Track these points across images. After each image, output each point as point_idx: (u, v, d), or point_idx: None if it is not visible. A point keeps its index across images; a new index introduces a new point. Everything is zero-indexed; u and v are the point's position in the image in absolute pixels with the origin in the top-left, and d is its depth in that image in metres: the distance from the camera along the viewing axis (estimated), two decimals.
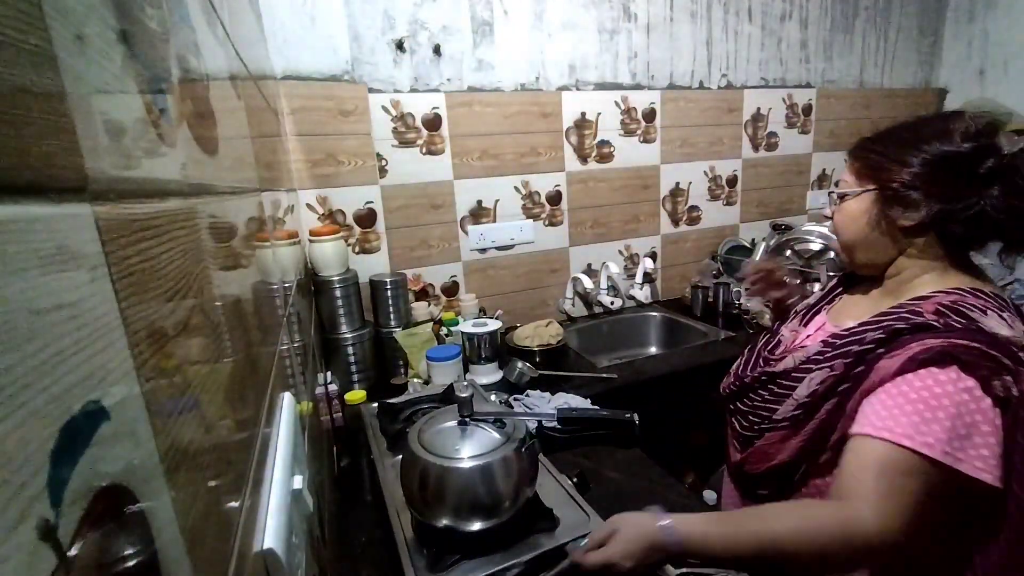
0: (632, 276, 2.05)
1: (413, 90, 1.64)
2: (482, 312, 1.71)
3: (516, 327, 1.71)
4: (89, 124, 0.22)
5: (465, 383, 0.80)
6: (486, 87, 1.73)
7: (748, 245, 2.23)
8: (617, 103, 1.95)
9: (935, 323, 0.69)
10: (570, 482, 0.86)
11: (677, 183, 2.13)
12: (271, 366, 0.59)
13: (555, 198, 1.91)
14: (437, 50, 1.65)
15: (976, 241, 0.77)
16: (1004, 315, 0.70)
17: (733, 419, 0.93)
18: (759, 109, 2.24)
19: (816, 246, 1.86)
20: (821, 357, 0.78)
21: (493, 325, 1.48)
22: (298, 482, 0.50)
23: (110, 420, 0.20)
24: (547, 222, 1.92)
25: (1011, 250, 0.76)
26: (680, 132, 2.09)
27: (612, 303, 1.96)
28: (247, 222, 0.59)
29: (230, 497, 0.35)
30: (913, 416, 0.64)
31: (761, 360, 0.92)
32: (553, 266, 1.97)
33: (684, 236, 2.21)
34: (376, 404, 1.18)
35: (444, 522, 0.71)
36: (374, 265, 1.63)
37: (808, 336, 0.89)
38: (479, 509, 0.71)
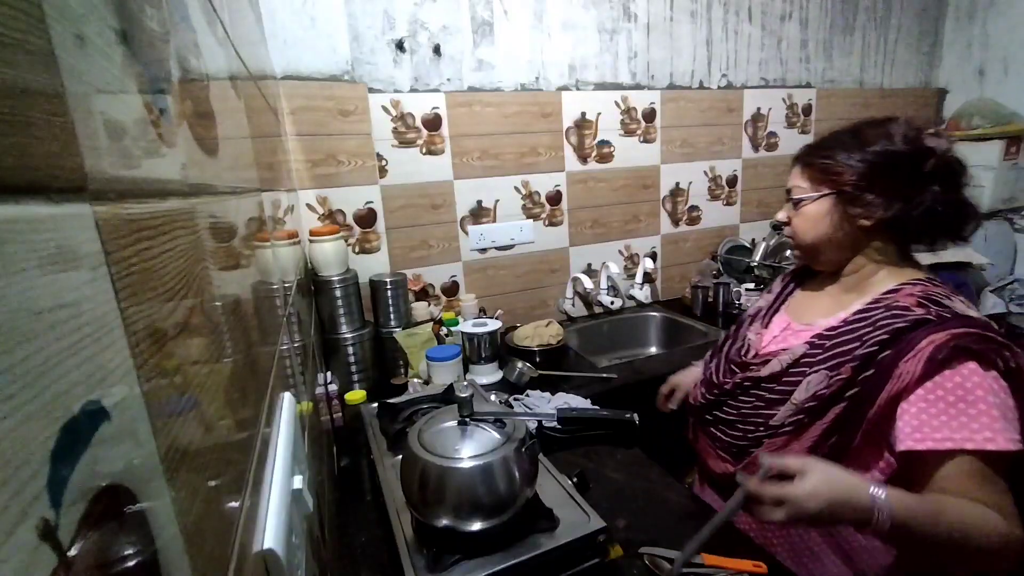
0: (632, 276, 2.05)
1: (413, 90, 1.64)
2: (482, 312, 1.71)
3: (516, 327, 1.71)
4: (89, 124, 0.22)
5: (465, 383, 0.80)
6: (486, 87, 1.74)
7: (748, 245, 2.23)
8: (617, 103, 1.95)
9: (929, 316, 0.73)
10: (570, 482, 0.85)
11: (677, 183, 2.13)
12: (271, 366, 0.59)
13: (555, 198, 1.91)
14: (437, 50, 1.65)
15: (923, 235, 0.81)
16: (961, 299, 0.77)
17: (714, 429, 0.92)
18: (759, 109, 2.24)
19: None
20: (813, 359, 0.80)
21: (493, 325, 1.48)
22: (298, 482, 0.50)
23: (110, 420, 0.20)
24: (547, 222, 1.92)
25: (949, 239, 0.81)
26: (680, 132, 2.09)
27: (612, 303, 1.96)
28: (247, 222, 0.59)
29: (230, 497, 0.35)
30: (961, 418, 0.67)
31: (734, 366, 0.92)
32: (553, 266, 1.97)
33: (684, 236, 2.21)
34: (376, 404, 1.18)
35: (444, 522, 0.71)
36: (374, 265, 1.63)
37: (775, 337, 0.91)
38: (479, 509, 0.71)
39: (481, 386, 1.29)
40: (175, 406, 0.28)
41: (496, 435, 0.76)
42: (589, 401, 1.28)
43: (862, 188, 0.78)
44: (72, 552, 0.16)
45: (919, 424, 0.69)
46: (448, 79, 1.68)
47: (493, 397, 1.20)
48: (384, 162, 1.63)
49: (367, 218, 1.61)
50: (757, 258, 1.98)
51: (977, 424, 0.67)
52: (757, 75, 2.23)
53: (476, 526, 0.71)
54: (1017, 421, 0.68)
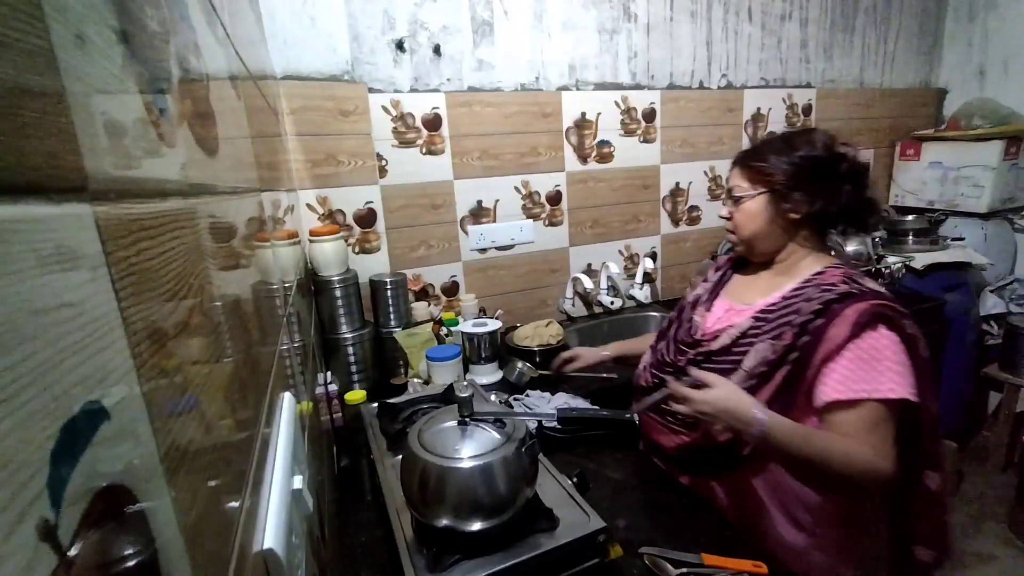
0: (632, 276, 2.05)
1: (413, 90, 1.64)
2: (482, 312, 1.71)
3: (516, 327, 1.71)
4: (89, 124, 0.22)
5: (465, 383, 0.80)
6: (486, 87, 1.74)
7: None
8: (617, 103, 1.95)
9: (853, 290, 0.87)
10: (570, 482, 0.85)
11: (677, 183, 2.13)
12: (271, 366, 0.59)
13: (555, 198, 1.91)
14: (437, 50, 1.65)
15: (838, 226, 0.98)
16: (869, 279, 0.92)
17: (665, 406, 0.98)
18: (759, 109, 2.24)
19: None
20: (758, 330, 0.92)
21: (493, 325, 1.48)
22: (298, 482, 0.50)
23: (110, 420, 0.20)
24: (547, 222, 1.92)
25: (857, 229, 1.00)
26: (680, 132, 2.09)
27: (612, 303, 1.96)
28: (247, 222, 0.59)
29: (230, 497, 0.35)
30: (873, 372, 0.82)
31: (684, 346, 1.03)
32: (553, 266, 1.97)
33: (684, 236, 2.21)
34: (376, 404, 1.18)
35: (444, 522, 0.71)
36: (374, 265, 1.62)
37: (719, 318, 1.03)
38: (479, 509, 0.71)
39: (481, 386, 1.29)
40: (175, 406, 0.28)
41: (496, 435, 0.76)
42: (589, 401, 1.28)
43: (792, 187, 0.93)
44: (72, 552, 0.16)
45: (840, 379, 0.83)
46: (448, 79, 1.68)
47: (493, 397, 1.20)
48: (384, 162, 1.63)
49: (367, 218, 1.60)
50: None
51: (884, 378, 0.82)
52: (757, 75, 2.23)
53: (476, 526, 0.71)
54: (912, 376, 0.84)
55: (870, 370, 0.82)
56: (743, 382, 0.89)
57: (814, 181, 0.92)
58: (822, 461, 0.80)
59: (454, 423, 0.78)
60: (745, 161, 0.98)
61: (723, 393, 0.84)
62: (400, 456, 0.93)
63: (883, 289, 0.89)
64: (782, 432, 0.81)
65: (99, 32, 0.25)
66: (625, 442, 1.11)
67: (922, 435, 0.90)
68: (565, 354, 1.35)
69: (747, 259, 1.05)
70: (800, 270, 0.96)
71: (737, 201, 0.98)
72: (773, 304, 0.93)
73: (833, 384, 0.84)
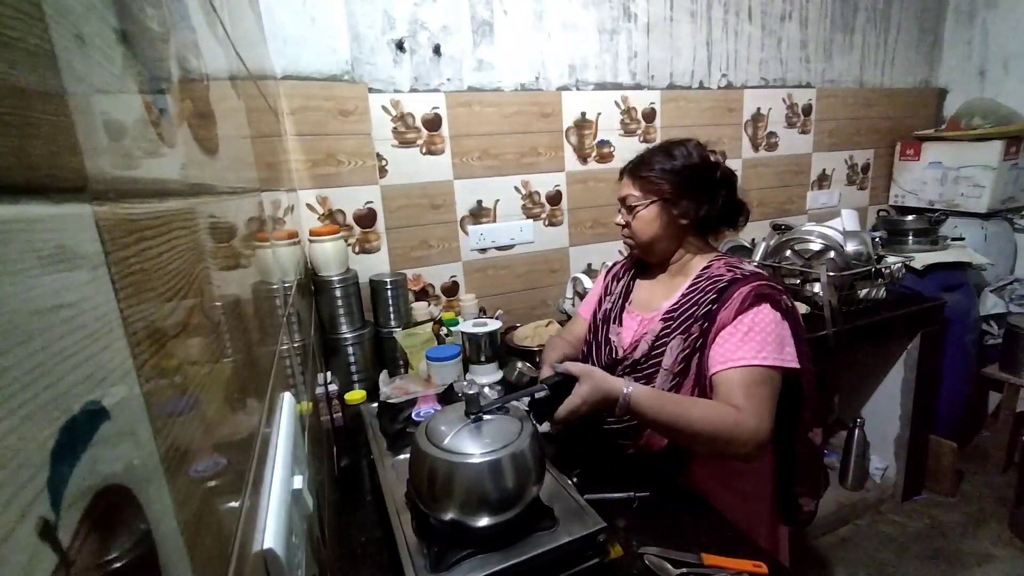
0: None
1: (413, 90, 1.64)
2: (482, 312, 1.70)
3: (516, 327, 1.71)
4: (89, 124, 0.22)
5: (465, 382, 0.80)
6: (486, 87, 1.74)
7: (748, 245, 2.23)
8: (617, 103, 1.95)
9: (737, 276, 0.97)
10: (570, 482, 0.85)
11: None
12: (271, 366, 0.59)
13: (555, 198, 1.91)
14: (437, 50, 1.65)
15: (719, 227, 1.07)
16: (749, 261, 1.02)
17: (607, 426, 1.05)
18: (759, 109, 2.24)
19: (816, 246, 1.86)
20: (669, 329, 1.00)
21: (493, 325, 1.48)
22: (298, 482, 0.50)
23: (110, 420, 0.20)
24: (547, 222, 1.92)
25: (731, 229, 1.09)
26: (680, 132, 2.06)
27: None
28: (247, 222, 0.59)
29: (230, 497, 0.35)
30: (751, 344, 0.90)
31: (610, 367, 1.07)
32: (553, 266, 1.97)
33: None
34: (376, 404, 1.18)
35: (451, 516, 0.71)
36: (374, 265, 1.62)
37: (635, 330, 1.08)
38: (488, 504, 0.71)
39: (481, 386, 1.29)
40: (175, 406, 0.28)
41: (506, 430, 0.76)
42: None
43: (679, 195, 1.00)
44: (72, 552, 0.16)
45: (722, 352, 0.91)
46: (448, 79, 1.68)
47: (487, 391, 1.20)
48: (384, 162, 1.63)
49: (367, 218, 1.60)
50: (757, 258, 1.98)
51: (758, 347, 0.89)
52: (757, 75, 2.23)
53: (484, 521, 0.71)
54: (791, 346, 0.92)
55: (747, 341, 0.90)
56: (666, 380, 0.98)
57: (697, 189, 1.01)
58: (682, 423, 0.86)
59: (460, 419, 0.78)
60: (635, 172, 1.04)
61: (587, 388, 0.89)
62: (400, 456, 0.94)
63: (762, 271, 1.01)
64: (642, 400, 0.88)
65: (99, 32, 0.25)
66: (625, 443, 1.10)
67: (804, 397, 1.00)
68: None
69: (644, 262, 1.14)
70: (692, 269, 1.04)
71: (632, 210, 1.04)
72: (676, 304, 1.01)
73: (716, 358, 0.92)
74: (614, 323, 1.12)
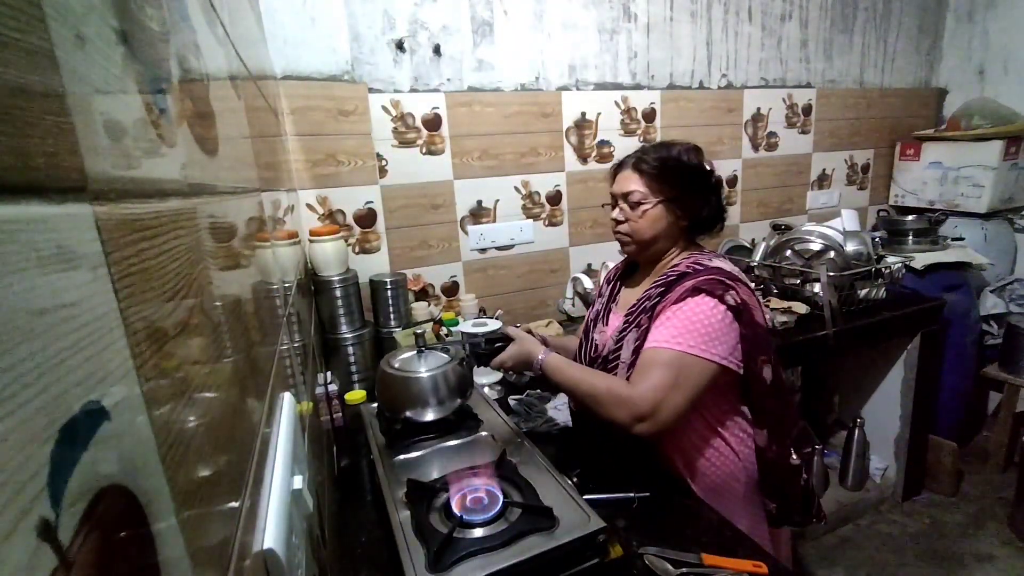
0: None
1: (413, 90, 1.64)
2: (482, 312, 1.70)
3: (517, 326, 1.70)
4: (89, 124, 0.22)
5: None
6: (486, 87, 1.74)
7: (748, 245, 2.23)
8: (617, 103, 1.95)
9: (688, 271, 0.99)
10: (570, 482, 0.85)
11: None
12: (271, 366, 0.59)
13: (555, 198, 1.91)
14: (437, 50, 1.65)
15: (707, 231, 1.08)
16: (719, 257, 1.05)
17: (591, 422, 1.05)
18: (759, 109, 2.24)
19: (816, 246, 1.86)
20: (627, 325, 1.03)
21: (493, 325, 1.48)
22: (298, 482, 0.50)
23: (110, 420, 0.20)
24: (547, 222, 1.92)
25: (713, 234, 1.09)
26: (680, 132, 2.08)
27: None
28: (247, 222, 0.59)
29: (230, 497, 0.35)
30: (676, 329, 0.92)
31: (592, 360, 1.11)
32: (553, 266, 1.97)
33: None
34: (376, 404, 1.18)
35: (407, 414, 1.01)
36: (374, 265, 1.62)
37: (616, 328, 1.09)
38: (427, 404, 1.01)
39: (481, 386, 1.29)
40: (175, 406, 0.28)
41: (442, 358, 1.05)
42: None
43: (684, 196, 1.01)
44: (72, 552, 0.16)
45: (652, 335, 0.95)
46: (448, 79, 1.68)
47: (487, 391, 1.20)
48: (384, 162, 1.63)
49: (367, 218, 1.60)
50: (757, 258, 1.98)
51: (676, 332, 0.91)
52: (757, 75, 2.23)
53: (428, 416, 1.01)
54: (731, 344, 0.93)
55: (667, 327, 0.93)
56: (625, 371, 1.00)
57: (698, 191, 1.02)
58: (583, 387, 0.93)
59: (413, 352, 1.06)
60: (641, 167, 1.02)
61: (514, 348, 1.02)
62: (400, 456, 0.95)
63: (727, 266, 1.00)
64: (552, 366, 0.97)
65: (99, 32, 0.25)
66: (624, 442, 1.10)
67: (753, 398, 1.00)
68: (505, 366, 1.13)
69: (636, 263, 1.14)
70: (669, 267, 1.05)
71: (636, 206, 1.02)
72: (638, 299, 1.04)
73: (647, 340, 0.96)
74: (601, 323, 1.14)
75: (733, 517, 0.95)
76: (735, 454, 1.02)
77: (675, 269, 1.02)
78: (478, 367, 1.09)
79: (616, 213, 1.07)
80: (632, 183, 1.03)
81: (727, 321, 0.93)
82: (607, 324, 1.12)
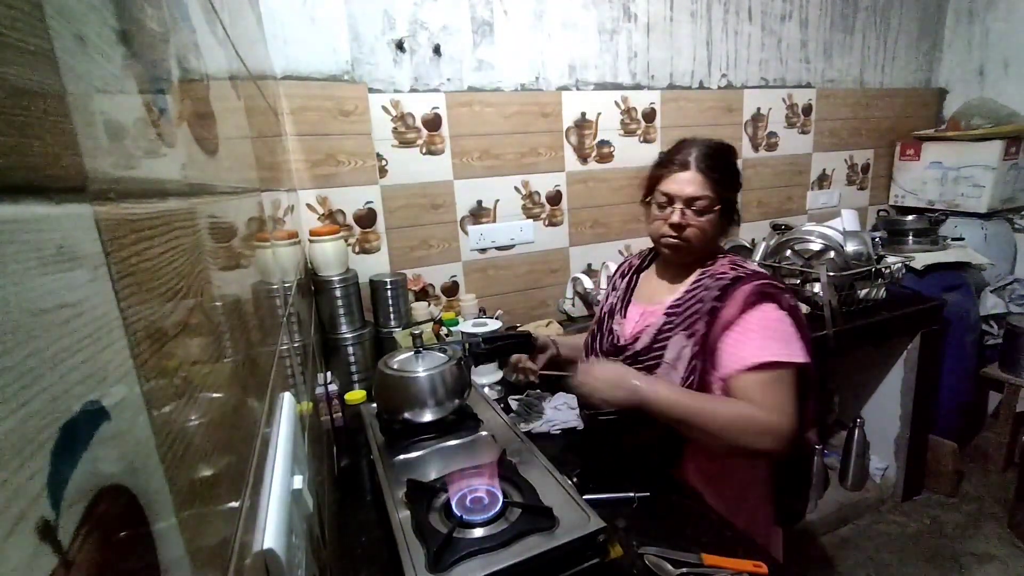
0: None
1: (413, 90, 1.64)
2: (482, 312, 1.70)
3: (516, 327, 1.71)
4: (89, 124, 0.22)
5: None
6: (486, 87, 1.73)
7: (748, 245, 2.23)
8: (617, 103, 1.95)
9: (740, 274, 0.97)
10: (570, 482, 0.85)
11: None
12: (271, 366, 0.59)
13: (555, 198, 1.91)
14: (437, 50, 1.65)
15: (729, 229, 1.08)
16: (752, 261, 1.05)
17: (605, 416, 1.03)
18: (759, 109, 2.24)
19: (816, 246, 1.86)
20: (672, 324, 0.99)
21: (493, 325, 1.48)
22: (298, 482, 0.50)
23: (110, 420, 0.20)
24: (547, 222, 1.92)
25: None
26: (680, 132, 2.06)
27: None
28: (247, 222, 0.59)
29: (230, 497, 0.35)
30: (763, 340, 0.91)
31: (611, 356, 1.07)
32: (553, 266, 1.97)
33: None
34: (376, 404, 1.18)
35: (405, 415, 1.00)
36: (374, 265, 1.62)
37: (635, 322, 1.08)
38: (425, 405, 1.00)
39: (481, 386, 1.29)
40: (175, 406, 0.28)
41: (439, 358, 1.05)
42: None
43: (734, 200, 1.02)
44: (72, 552, 0.16)
45: (733, 352, 0.92)
46: (448, 79, 1.68)
47: (487, 391, 1.20)
48: (384, 162, 1.63)
49: (367, 218, 1.60)
50: (757, 258, 1.98)
51: (766, 344, 0.90)
52: (757, 75, 2.23)
53: (426, 417, 1.00)
54: (799, 342, 0.93)
55: (758, 340, 0.91)
56: (667, 372, 0.98)
57: (738, 192, 1.03)
58: (704, 420, 0.87)
59: (411, 353, 1.06)
60: (708, 170, 0.97)
61: (604, 371, 0.94)
62: (400, 456, 0.96)
63: (763, 270, 1.01)
64: (662, 396, 0.89)
65: (99, 32, 0.25)
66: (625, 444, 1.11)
67: (809, 395, 0.99)
68: (523, 365, 1.22)
69: (653, 256, 1.12)
70: (696, 265, 1.04)
71: (702, 212, 0.98)
72: (680, 299, 1.01)
73: (728, 358, 0.92)
74: (618, 314, 1.12)
75: (751, 521, 0.96)
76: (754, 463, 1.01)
77: (719, 271, 0.99)
78: (476, 367, 1.09)
79: (676, 217, 0.98)
80: (698, 186, 0.97)
81: (792, 323, 0.94)
82: (625, 316, 1.10)
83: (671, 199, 0.99)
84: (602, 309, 1.18)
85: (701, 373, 0.96)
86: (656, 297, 1.07)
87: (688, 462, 1.01)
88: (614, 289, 1.19)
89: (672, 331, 0.99)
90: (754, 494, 1.04)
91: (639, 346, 1.03)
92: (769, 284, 0.96)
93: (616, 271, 1.25)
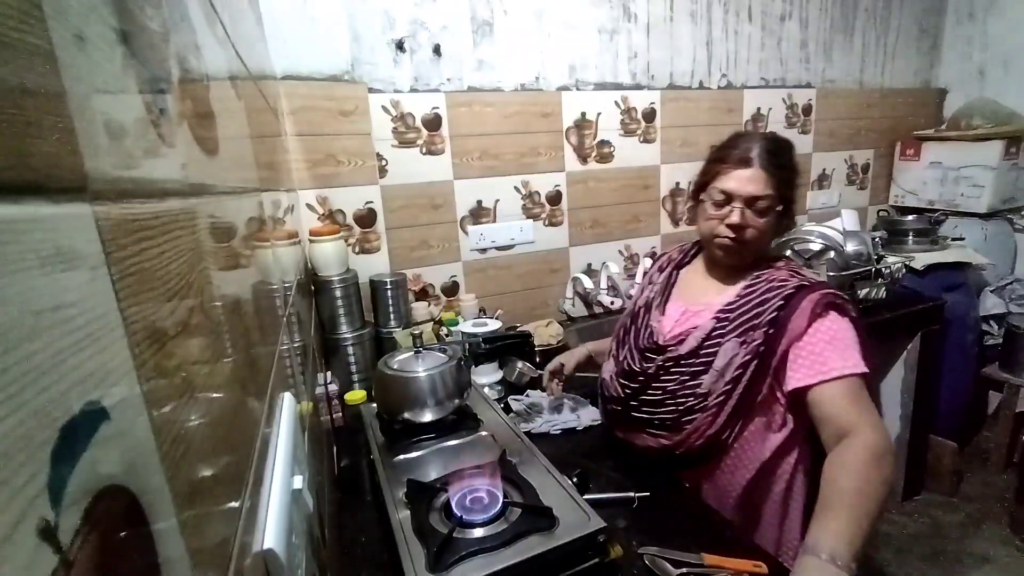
0: (632, 276, 2.05)
1: (413, 90, 1.64)
2: (482, 312, 1.70)
3: (516, 327, 1.71)
4: (89, 124, 0.22)
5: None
6: (486, 87, 1.73)
7: None
8: (617, 103, 1.95)
9: (804, 283, 0.93)
10: (570, 482, 0.85)
11: (677, 183, 2.13)
12: (271, 366, 0.59)
13: (555, 198, 1.91)
14: (437, 50, 1.65)
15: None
16: (809, 270, 0.98)
17: (638, 414, 1.02)
18: (759, 109, 2.24)
19: (816, 246, 1.86)
20: (724, 329, 0.94)
21: (493, 325, 1.48)
22: (298, 482, 0.50)
23: (110, 420, 0.20)
24: (547, 222, 1.92)
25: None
26: (680, 132, 2.08)
27: (612, 303, 1.96)
28: (247, 222, 0.59)
29: (230, 497, 0.35)
30: (840, 353, 0.87)
31: (649, 353, 1.02)
32: (553, 266, 1.97)
33: (684, 236, 2.21)
34: (376, 404, 1.18)
35: (405, 415, 1.01)
36: (374, 265, 1.62)
37: (676, 320, 1.02)
38: (424, 405, 1.00)
39: (481, 386, 1.29)
40: (175, 406, 0.28)
41: (439, 358, 1.05)
42: (588, 402, 1.28)
43: (794, 197, 0.97)
44: (72, 552, 0.16)
45: (808, 364, 0.88)
46: (448, 79, 1.68)
47: (487, 391, 1.20)
48: (384, 162, 1.63)
49: (367, 218, 1.60)
50: None
51: (847, 355, 0.87)
52: (757, 75, 2.23)
53: (426, 417, 1.00)
54: (862, 352, 0.89)
55: (835, 351, 0.87)
56: (715, 380, 0.93)
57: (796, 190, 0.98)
58: (873, 512, 0.75)
59: (411, 353, 1.07)
60: (773, 168, 0.91)
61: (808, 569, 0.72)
62: (400, 456, 0.96)
63: (823, 279, 1.01)
64: (856, 550, 0.72)
65: (99, 32, 0.25)
66: (625, 443, 1.11)
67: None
68: (550, 368, 1.25)
69: (720, 262, 1.01)
70: (750, 269, 0.99)
71: (764, 212, 0.92)
72: (731, 304, 0.96)
73: (803, 370, 0.88)
74: (656, 310, 1.06)
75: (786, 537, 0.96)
76: (791, 476, 0.97)
77: (777, 278, 0.95)
78: (476, 367, 1.11)
79: (736, 217, 0.93)
80: (761, 185, 0.92)
81: (855, 332, 0.91)
82: (664, 312, 1.05)
83: (730, 197, 0.93)
84: (636, 302, 1.13)
85: (749, 383, 0.91)
86: (700, 297, 1.02)
87: (725, 485, 0.98)
88: (651, 283, 1.13)
89: (723, 337, 0.93)
90: (794, 508, 0.99)
91: (683, 350, 0.97)
92: (834, 294, 0.92)
93: (654, 264, 1.19)
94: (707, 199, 0.97)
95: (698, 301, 1.02)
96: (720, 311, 0.96)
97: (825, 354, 0.87)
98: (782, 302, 0.91)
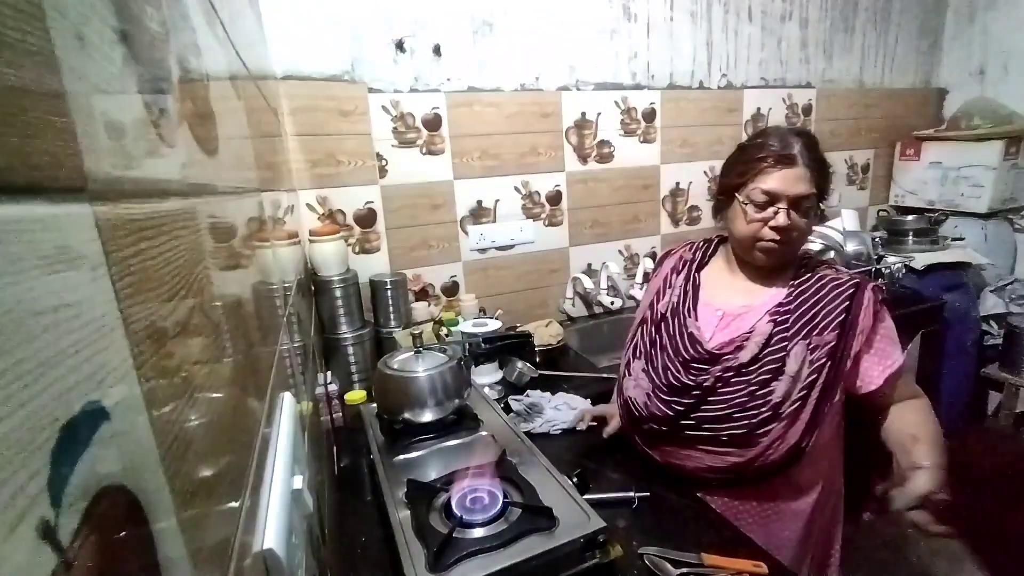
0: (632, 276, 2.05)
1: (413, 90, 1.64)
2: (482, 312, 1.70)
3: (516, 327, 1.71)
4: (89, 124, 0.22)
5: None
6: (486, 87, 1.73)
7: None
8: (617, 103, 1.95)
9: (857, 279, 0.93)
10: (570, 482, 0.85)
11: (677, 183, 2.13)
12: (271, 366, 0.59)
13: (555, 198, 1.91)
14: (437, 50, 1.65)
15: None
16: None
17: (697, 432, 0.93)
18: (759, 109, 2.24)
19: (816, 246, 1.86)
20: (787, 332, 0.90)
21: (493, 325, 1.48)
22: (298, 482, 0.50)
23: (110, 420, 0.20)
24: (547, 222, 1.92)
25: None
26: (680, 132, 2.08)
27: (612, 303, 1.96)
28: (247, 222, 0.59)
29: (230, 497, 0.35)
30: (897, 347, 0.93)
31: (697, 363, 0.94)
32: (553, 266, 1.97)
33: (684, 236, 2.21)
34: (376, 404, 1.18)
35: (405, 415, 1.01)
36: (374, 265, 1.62)
37: (715, 326, 0.96)
38: (424, 405, 1.00)
39: (481, 386, 1.29)
40: (175, 406, 0.28)
41: (439, 358, 1.05)
42: (589, 401, 1.28)
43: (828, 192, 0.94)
44: (72, 552, 0.16)
45: (877, 361, 0.91)
46: (448, 79, 1.68)
47: (487, 391, 1.20)
48: (384, 162, 1.63)
49: (367, 218, 1.60)
50: None
51: (897, 344, 0.93)
52: (757, 75, 2.23)
53: (426, 417, 1.00)
54: None
55: (891, 343, 0.93)
56: (790, 386, 0.87)
57: None
58: (942, 438, 0.91)
59: (411, 353, 1.07)
60: (812, 164, 0.87)
61: (926, 477, 0.84)
62: (400, 456, 0.96)
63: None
64: (944, 461, 0.87)
65: (99, 32, 0.25)
66: (625, 443, 1.10)
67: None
68: (596, 412, 1.15)
69: (761, 264, 0.95)
70: (785, 267, 0.97)
71: (808, 212, 0.89)
72: (785, 303, 0.92)
73: (877, 371, 0.92)
74: (688, 316, 0.98)
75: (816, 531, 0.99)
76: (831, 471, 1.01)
77: (828, 276, 0.94)
78: (476, 367, 1.12)
79: (783, 219, 0.87)
80: (807, 184, 0.87)
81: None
82: (697, 319, 0.98)
83: (774, 198, 0.87)
84: (656, 309, 1.04)
85: (824, 386, 0.88)
86: (734, 299, 0.97)
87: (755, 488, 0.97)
88: (669, 287, 1.05)
89: (788, 340, 0.89)
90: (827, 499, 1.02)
91: (744, 357, 0.90)
92: (877, 287, 0.94)
93: (663, 266, 1.11)
94: (746, 200, 0.90)
95: (733, 303, 0.96)
96: (774, 312, 0.91)
97: (887, 349, 0.92)
98: (848, 302, 0.90)
